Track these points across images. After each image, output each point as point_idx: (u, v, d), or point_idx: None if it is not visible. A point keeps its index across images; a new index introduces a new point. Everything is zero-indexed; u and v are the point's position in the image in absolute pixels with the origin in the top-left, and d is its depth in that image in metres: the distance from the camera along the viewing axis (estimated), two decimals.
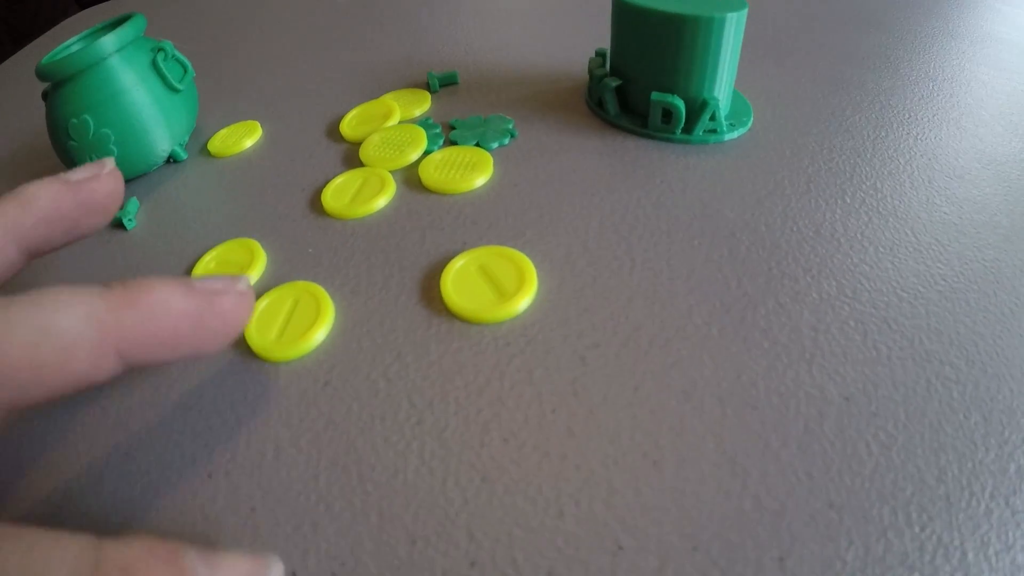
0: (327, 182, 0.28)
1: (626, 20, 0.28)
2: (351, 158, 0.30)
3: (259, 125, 0.34)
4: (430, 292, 0.22)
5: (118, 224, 0.29)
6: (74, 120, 0.29)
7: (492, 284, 0.21)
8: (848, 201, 0.25)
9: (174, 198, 0.31)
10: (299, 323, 0.21)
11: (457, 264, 0.22)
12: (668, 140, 0.28)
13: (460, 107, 0.33)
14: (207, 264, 0.25)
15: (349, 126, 0.32)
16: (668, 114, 0.28)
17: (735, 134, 0.28)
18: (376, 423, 0.19)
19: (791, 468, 0.17)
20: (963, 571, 0.15)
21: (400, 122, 0.31)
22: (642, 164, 0.27)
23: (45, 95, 0.31)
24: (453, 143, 0.29)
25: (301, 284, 0.23)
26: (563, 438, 0.18)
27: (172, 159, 0.33)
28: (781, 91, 0.32)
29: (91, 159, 0.29)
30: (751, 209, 0.25)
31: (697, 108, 0.28)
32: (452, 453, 0.18)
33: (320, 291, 0.22)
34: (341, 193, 0.27)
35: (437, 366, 0.20)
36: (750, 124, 0.29)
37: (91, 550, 0.13)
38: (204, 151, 0.34)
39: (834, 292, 0.21)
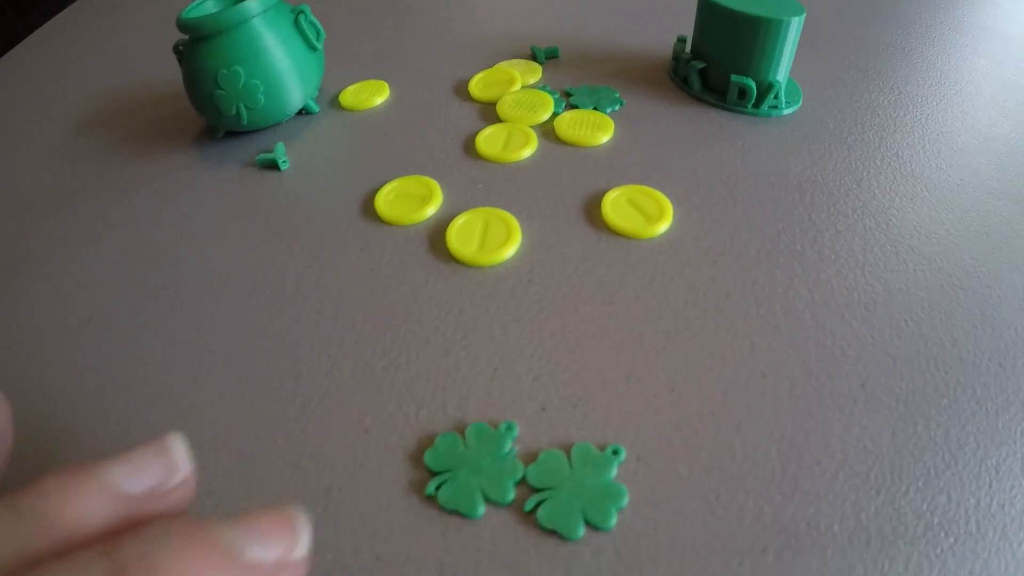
0: (474, 133, 0.35)
1: (711, 17, 0.35)
2: (487, 115, 0.36)
3: (386, 84, 0.40)
4: (592, 217, 0.29)
5: (272, 165, 0.35)
6: (224, 71, 0.33)
7: (640, 211, 0.29)
8: (878, 164, 0.33)
9: (320, 144, 0.36)
10: (494, 237, 0.28)
11: (612, 196, 0.29)
12: (741, 112, 0.36)
13: (566, 77, 0.39)
14: (387, 195, 0.31)
15: (477, 88, 0.38)
16: (742, 92, 0.36)
17: (791, 110, 0.36)
18: (578, 306, 0.26)
19: (860, 331, 0.25)
20: (975, 400, 0.23)
21: (522, 87, 0.38)
22: (725, 130, 0.35)
23: (179, 48, 0.35)
24: (574, 107, 0.36)
25: (487, 209, 0.29)
26: (713, 312, 0.25)
27: (305, 111, 0.38)
28: (822, 77, 0.39)
29: (237, 106, 0.34)
30: (810, 167, 0.33)
31: (764, 89, 0.35)
32: (641, 321, 0.25)
33: (506, 214, 0.29)
34: (492, 142, 0.33)
35: (613, 268, 0.27)
36: (800, 103, 0.37)
37: (106, 562, 0.11)
38: (335, 105, 0.39)
39: (873, 225, 0.30)
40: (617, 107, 0.36)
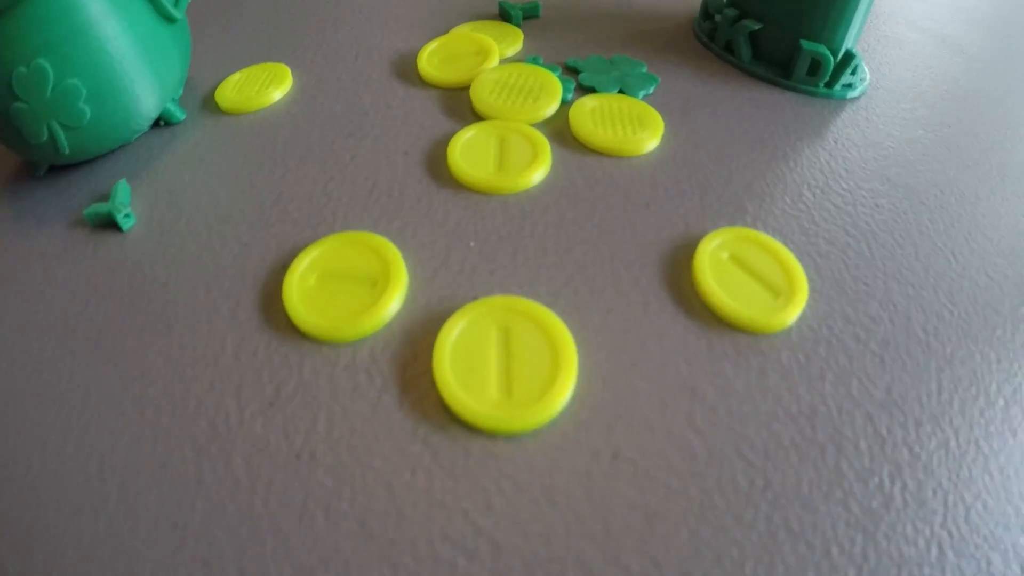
0: (442, 141, 0.19)
1: None
2: (455, 107, 0.20)
3: (287, 69, 0.22)
4: (683, 296, 0.15)
5: (109, 223, 0.17)
6: (22, 69, 0.16)
7: (755, 277, 0.15)
8: (975, 157, 0.21)
9: (187, 175, 0.19)
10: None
11: (705, 253, 0.15)
12: (807, 92, 0.23)
13: (561, 44, 0.24)
14: (306, 280, 0.15)
15: (432, 64, 0.21)
16: (815, 65, 0.22)
17: (863, 88, 0.23)
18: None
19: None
20: None
21: (501, 62, 0.22)
22: (804, 121, 0.21)
23: None
24: (589, 89, 0.21)
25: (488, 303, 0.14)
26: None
27: (164, 121, 0.20)
28: (879, 41, 0.27)
29: (49, 127, 0.17)
30: (907, 170, 0.20)
31: (840, 61, 0.22)
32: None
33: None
34: (478, 156, 0.17)
35: (746, 392, 0.13)
36: (868, 79, 0.24)
37: None
38: (210, 107, 0.21)
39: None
40: (652, 88, 0.21)
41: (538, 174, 0.17)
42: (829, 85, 0.23)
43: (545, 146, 0.18)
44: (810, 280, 0.16)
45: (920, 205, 0.19)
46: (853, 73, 0.23)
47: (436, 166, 0.18)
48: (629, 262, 0.16)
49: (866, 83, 0.24)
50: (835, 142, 0.21)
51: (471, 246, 0.15)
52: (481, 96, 0.19)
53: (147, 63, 0.18)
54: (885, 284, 0.17)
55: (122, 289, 0.16)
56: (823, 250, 0.17)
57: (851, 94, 0.23)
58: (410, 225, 0.16)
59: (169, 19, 0.19)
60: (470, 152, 0.18)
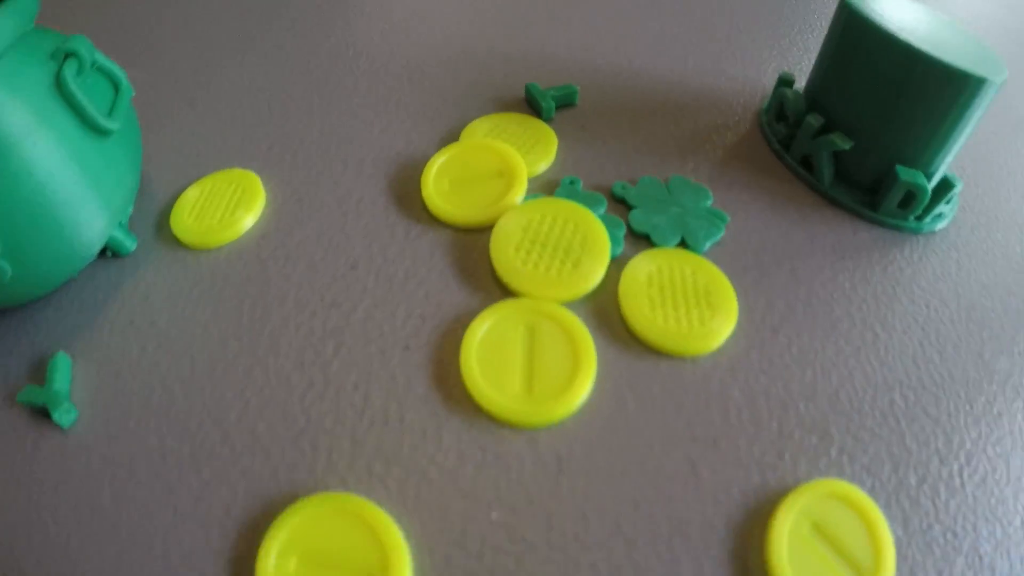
0: (451, 331, 0.14)
1: (865, 53, 0.17)
2: (470, 266, 0.16)
3: (257, 179, 0.17)
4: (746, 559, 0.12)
5: (41, 411, 0.13)
6: None
7: (837, 551, 0.11)
8: None
9: (131, 349, 0.15)
10: None
11: (783, 527, 0.11)
12: (897, 227, 0.19)
13: (598, 153, 0.19)
14: (279, 560, 0.11)
15: (440, 194, 0.16)
16: (909, 196, 0.18)
17: (951, 218, 0.19)
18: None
19: None
20: None
21: (528, 188, 0.17)
22: (892, 273, 0.17)
23: None
24: (643, 237, 0.16)
25: None
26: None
27: (111, 252, 0.16)
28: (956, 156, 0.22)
29: None
30: (1000, 344, 0.17)
31: (937, 189, 0.18)
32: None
33: None
34: (501, 363, 0.13)
35: None
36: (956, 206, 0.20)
37: None
38: (165, 233, 0.17)
39: None
40: (719, 234, 0.17)
41: (580, 398, 0.13)
42: (920, 218, 0.19)
43: (588, 347, 0.14)
44: (897, 542, 0.13)
45: (1015, 395, 0.16)
46: (947, 202, 0.19)
47: (446, 375, 0.14)
48: (691, 538, 0.12)
49: (955, 209, 0.20)
50: (927, 306, 0.17)
51: (492, 518, 0.12)
52: (505, 257, 0.15)
53: (81, 186, 0.14)
54: (974, 528, 0.14)
55: (67, 517, 0.12)
56: (914, 494, 0.14)
57: (940, 226, 0.19)
58: (413, 477, 0.13)
59: (102, 132, 0.14)
60: (490, 355, 0.14)
